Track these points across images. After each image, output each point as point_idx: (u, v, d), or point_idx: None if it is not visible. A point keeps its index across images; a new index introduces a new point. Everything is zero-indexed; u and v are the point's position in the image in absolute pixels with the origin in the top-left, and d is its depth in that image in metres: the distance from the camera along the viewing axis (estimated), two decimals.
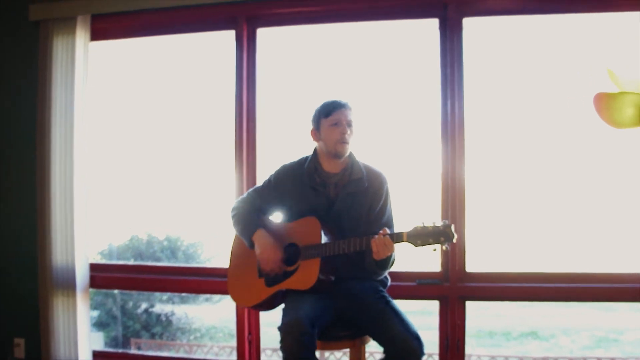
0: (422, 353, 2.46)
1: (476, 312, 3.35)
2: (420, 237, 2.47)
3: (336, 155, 2.75)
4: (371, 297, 2.68)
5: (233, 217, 2.92)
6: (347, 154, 2.76)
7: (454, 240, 2.46)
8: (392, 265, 2.70)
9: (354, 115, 2.76)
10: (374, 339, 2.61)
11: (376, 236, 2.52)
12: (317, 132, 2.79)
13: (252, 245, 2.81)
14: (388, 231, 2.54)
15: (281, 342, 2.47)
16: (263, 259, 2.76)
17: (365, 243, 2.56)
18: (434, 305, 3.40)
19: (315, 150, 2.86)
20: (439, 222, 2.47)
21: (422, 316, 3.00)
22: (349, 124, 2.73)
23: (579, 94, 3.07)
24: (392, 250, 2.53)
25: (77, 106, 3.56)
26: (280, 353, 2.50)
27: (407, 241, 2.49)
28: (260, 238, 2.78)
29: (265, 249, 2.75)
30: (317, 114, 2.78)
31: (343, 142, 2.71)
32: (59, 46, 3.59)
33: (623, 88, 2.30)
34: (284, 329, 2.46)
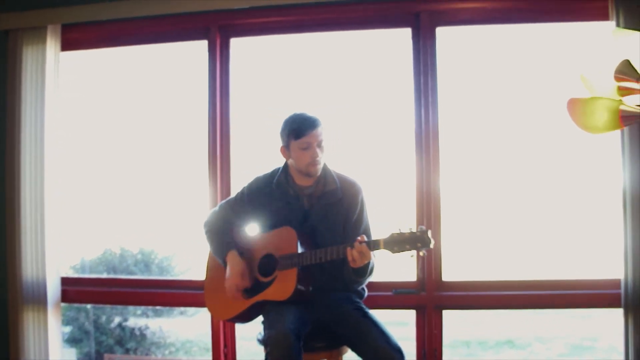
0: None
1: (452, 322, 3.34)
2: (397, 243, 2.46)
3: (307, 175, 2.72)
4: (349, 308, 2.67)
5: (206, 233, 2.89)
6: (319, 173, 2.73)
7: (431, 246, 2.45)
8: (371, 273, 2.68)
9: (325, 132, 2.68)
10: (354, 350, 2.59)
11: (353, 244, 2.50)
12: (286, 150, 2.73)
13: (225, 264, 2.79)
14: (365, 238, 2.52)
15: (268, 355, 2.44)
16: (228, 285, 2.73)
17: (342, 251, 2.54)
18: (409, 315, 3.39)
19: (286, 163, 2.82)
20: (415, 228, 2.46)
21: (397, 326, 2.98)
22: (320, 145, 2.66)
23: (553, 101, 3.10)
24: (369, 257, 2.51)
25: (47, 117, 3.51)
26: None
27: (384, 248, 2.48)
28: (232, 261, 2.75)
29: (232, 276, 2.72)
30: (286, 134, 2.70)
31: (314, 164, 2.68)
32: (28, 56, 3.54)
33: (596, 93, 2.33)
34: (271, 342, 2.42)
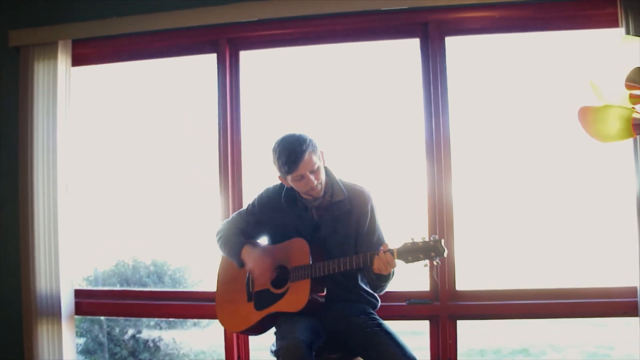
0: None
1: (466, 330, 3.32)
2: (411, 253, 2.45)
3: (310, 197, 2.71)
4: (362, 318, 2.66)
5: (219, 240, 2.90)
6: (322, 193, 2.70)
7: (445, 255, 2.44)
8: (392, 277, 2.66)
9: (315, 155, 2.63)
10: None
11: (375, 254, 2.49)
12: (284, 179, 2.71)
13: (241, 264, 2.78)
14: (388, 247, 2.50)
15: None
16: (256, 272, 2.72)
17: (356, 262, 2.53)
18: (423, 325, 3.37)
19: None
20: (428, 237, 2.45)
21: (411, 336, 2.97)
22: (313, 171, 2.62)
23: (563, 109, 3.08)
24: (393, 265, 2.50)
25: (59, 132, 3.54)
26: None
27: (397, 258, 2.48)
28: (249, 253, 2.75)
29: (256, 263, 2.72)
30: (277, 169, 2.67)
31: (313, 189, 2.66)
32: (40, 72, 3.57)
33: (607, 101, 2.31)
34: (283, 353, 2.42)
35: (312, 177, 2.62)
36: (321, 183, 2.67)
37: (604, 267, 3.61)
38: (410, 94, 3.46)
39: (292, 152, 2.59)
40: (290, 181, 2.67)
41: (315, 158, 2.62)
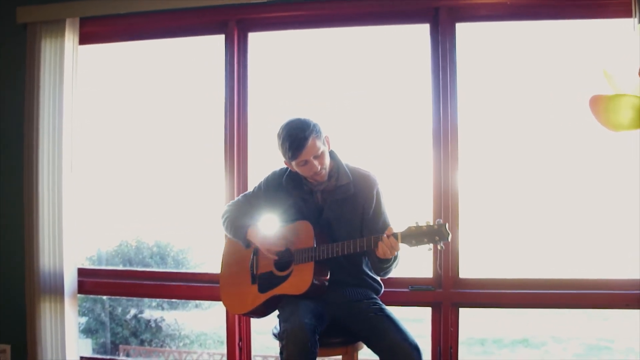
0: None
1: (467, 319, 3.33)
2: (415, 237, 2.44)
3: (315, 181, 2.72)
4: (365, 304, 2.67)
5: (224, 221, 2.90)
6: (327, 177, 2.71)
7: (449, 239, 2.43)
8: (396, 260, 2.65)
9: (320, 140, 2.62)
10: (370, 347, 2.58)
11: (378, 237, 2.49)
12: (289, 164, 2.72)
13: (248, 244, 2.79)
14: (392, 231, 2.49)
15: (283, 349, 2.43)
16: (267, 246, 2.73)
17: (359, 245, 2.53)
18: (425, 312, 3.37)
19: None
20: (432, 222, 2.44)
21: (413, 323, 2.97)
22: (317, 156, 2.61)
23: (575, 97, 3.06)
24: (397, 249, 2.49)
25: (65, 110, 3.52)
26: None
27: (401, 242, 2.46)
28: (256, 233, 2.77)
29: (264, 239, 2.73)
30: (282, 154, 2.67)
31: (318, 174, 2.66)
32: (47, 49, 3.55)
33: (619, 90, 2.29)
34: (287, 336, 2.41)
35: (316, 162, 2.62)
36: (325, 168, 2.67)
37: (607, 259, 3.60)
38: (418, 80, 3.44)
39: (295, 137, 2.58)
40: (295, 166, 2.67)
41: (319, 143, 2.61)
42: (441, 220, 2.45)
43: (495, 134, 3.54)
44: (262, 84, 3.63)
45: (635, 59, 2.27)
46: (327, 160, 2.68)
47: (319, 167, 2.63)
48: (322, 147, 2.63)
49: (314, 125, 2.62)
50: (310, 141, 2.58)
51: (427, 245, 2.44)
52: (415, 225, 2.46)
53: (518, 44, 3.44)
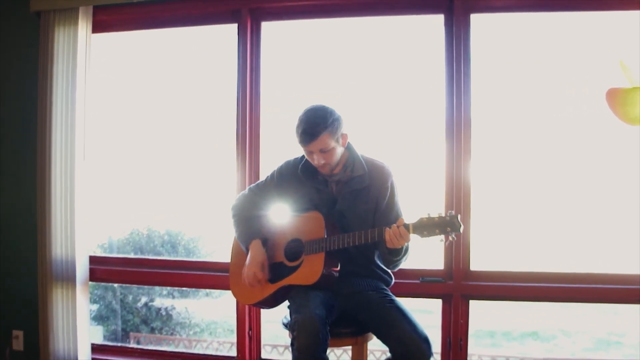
0: (430, 355, 2.44)
1: (477, 311, 3.32)
2: (427, 227, 2.43)
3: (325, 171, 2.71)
4: (375, 295, 2.66)
5: (233, 217, 2.91)
6: (330, 171, 2.69)
7: (461, 230, 2.41)
8: (406, 253, 2.64)
9: (334, 137, 2.59)
10: (379, 338, 2.58)
11: (389, 227, 2.47)
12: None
13: (248, 251, 2.80)
14: (404, 221, 2.48)
15: (294, 340, 2.43)
16: (246, 273, 2.75)
17: (370, 235, 2.52)
18: (435, 304, 3.37)
19: None
20: (444, 213, 2.43)
21: (423, 314, 2.97)
22: (323, 151, 2.60)
23: (590, 91, 3.03)
24: (408, 239, 2.48)
25: (78, 98, 3.53)
26: (287, 351, 2.47)
27: (413, 232, 2.45)
28: (254, 250, 2.76)
29: (251, 265, 2.73)
30: (296, 136, 2.66)
31: (322, 167, 2.67)
32: (60, 37, 3.55)
33: (636, 83, 2.26)
34: (298, 327, 2.42)
35: (320, 156, 2.61)
36: (330, 164, 2.65)
37: (620, 254, 3.58)
38: (432, 71, 3.42)
39: (309, 126, 2.58)
40: (303, 151, 2.68)
41: (331, 140, 2.59)
42: (453, 212, 2.44)
43: (509, 127, 3.51)
44: (274, 74, 3.62)
45: None
46: (336, 157, 2.66)
47: (322, 162, 2.63)
48: (334, 144, 2.62)
49: (333, 121, 2.59)
50: (322, 136, 2.57)
51: (438, 236, 2.43)
52: (427, 216, 2.45)
53: (533, 36, 3.41)
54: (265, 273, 2.74)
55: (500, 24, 3.40)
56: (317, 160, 2.63)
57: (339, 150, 2.66)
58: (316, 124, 2.57)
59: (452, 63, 3.28)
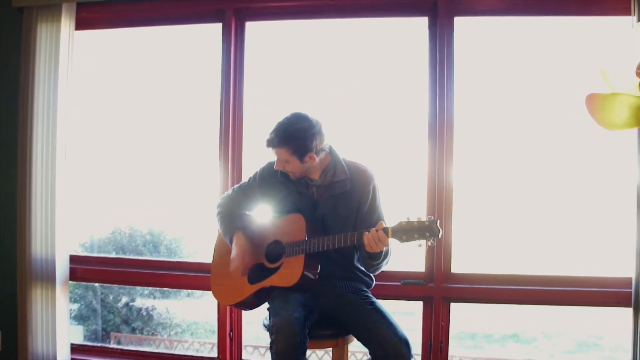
0: (410, 357, 2.45)
1: (458, 314, 3.33)
2: (406, 232, 2.43)
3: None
4: (355, 297, 2.66)
5: (217, 214, 2.91)
6: (296, 178, 2.72)
7: (440, 236, 2.42)
8: (386, 257, 2.64)
9: (295, 155, 2.60)
10: (360, 340, 2.58)
11: (368, 232, 2.46)
12: None
13: (232, 244, 2.79)
14: (383, 225, 2.48)
15: (273, 343, 2.43)
16: (232, 262, 2.75)
17: (350, 239, 2.52)
18: (416, 306, 3.38)
19: None
20: (424, 218, 2.43)
21: (403, 316, 2.98)
22: (282, 160, 2.65)
23: (571, 95, 3.06)
24: (386, 244, 2.48)
25: (60, 96, 3.50)
26: (268, 353, 2.47)
27: (392, 237, 2.45)
28: (239, 240, 2.76)
29: (238, 254, 2.73)
30: None
31: (286, 171, 2.71)
32: (42, 34, 3.52)
33: (615, 88, 2.28)
34: (276, 330, 2.42)
35: (280, 164, 2.67)
36: (293, 172, 2.69)
37: (600, 256, 3.61)
38: (415, 73, 3.43)
39: (274, 134, 2.63)
40: None
41: (288, 156, 2.62)
42: (433, 217, 2.44)
43: (491, 129, 3.53)
44: (258, 74, 3.61)
45: (632, 57, 2.27)
46: (298, 170, 2.68)
47: (282, 169, 2.69)
48: (290, 160, 2.63)
49: (300, 141, 2.59)
50: (278, 149, 2.62)
51: (417, 241, 2.43)
52: (406, 220, 2.45)
53: (516, 40, 3.43)
54: (251, 259, 2.75)
55: (484, 28, 3.42)
56: (277, 166, 2.68)
57: (301, 166, 2.66)
58: (278, 136, 2.61)
59: (436, 65, 3.29)
